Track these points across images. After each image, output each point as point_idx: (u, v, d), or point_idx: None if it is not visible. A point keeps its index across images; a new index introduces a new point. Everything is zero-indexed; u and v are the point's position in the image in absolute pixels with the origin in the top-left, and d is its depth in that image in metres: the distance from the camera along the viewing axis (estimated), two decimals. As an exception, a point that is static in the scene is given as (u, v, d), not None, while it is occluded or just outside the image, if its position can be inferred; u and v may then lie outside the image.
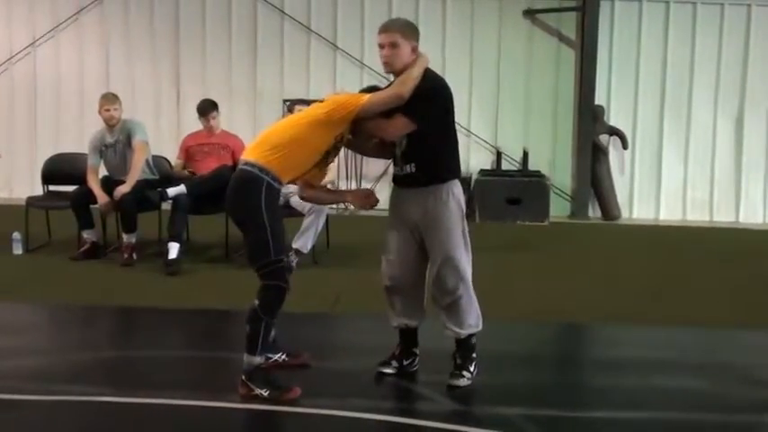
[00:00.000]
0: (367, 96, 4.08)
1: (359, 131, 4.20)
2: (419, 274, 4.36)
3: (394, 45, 4.12)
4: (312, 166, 4.20)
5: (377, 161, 9.83)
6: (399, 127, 4.11)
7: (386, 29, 4.18)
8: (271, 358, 4.44)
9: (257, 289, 4.05)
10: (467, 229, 4.27)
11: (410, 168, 4.24)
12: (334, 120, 4.05)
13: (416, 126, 4.09)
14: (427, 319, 4.46)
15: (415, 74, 4.09)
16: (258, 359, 4.08)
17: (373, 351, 4.60)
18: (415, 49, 4.15)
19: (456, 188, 4.25)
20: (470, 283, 4.29)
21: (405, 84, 4.06)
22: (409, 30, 4.19)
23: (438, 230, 4.20)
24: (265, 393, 4.06)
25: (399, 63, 4.12)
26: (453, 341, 4.36)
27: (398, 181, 4.35)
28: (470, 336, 4.34)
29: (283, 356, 4.54)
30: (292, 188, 6.02)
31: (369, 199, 4.40)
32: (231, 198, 4.10)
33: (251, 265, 4.11)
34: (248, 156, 4.10)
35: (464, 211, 4.28)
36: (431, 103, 4.13)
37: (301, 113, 4.30)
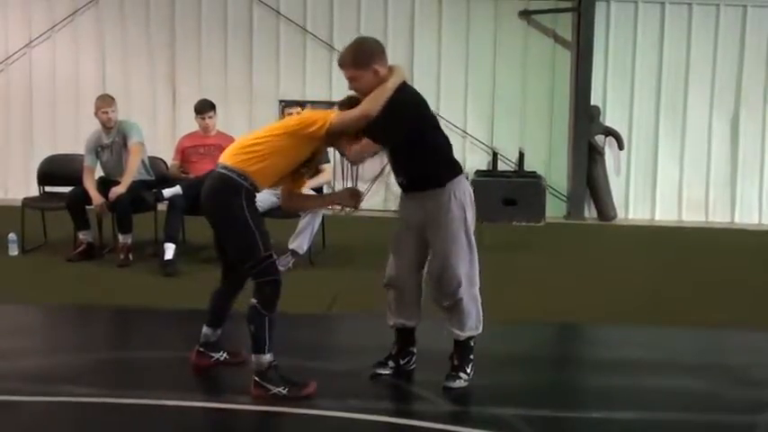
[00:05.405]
0: (334, 115, 4.06)
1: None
2: (418, 276, 4.37)
3: (352, 79, 4.12)
4: (291, 173, 4.23)
5: (372, 162, 9.82)
6: (367, 150, 4.15)
7: (340, 65, 4.17)
8: (213, 357, 4.49)
9: (252, 289, 4.06)
10: (471, 230, 4.27)
11: (402, 180, 4.32)
12: (302, 135, 4.04)
13: (384, 146, 4.16)
14: (425, 319, 4.46)
15: (385, 90, 4.03)
16: (268, 357, 4.04)
17: (370, 351, 4.61)
18: (377, 72, 4.06)
19: (458, 189, 4.24)
20: (475, 285, 4.30)
21: (373, 101, 4.01)
22: (361, 58, 4.09)
23: (439, 233, 4.21)
24: (284, 391, 4.04)
25: (366, 90, 4.08)
26: (451, 342, 4.37)
27: (400, 187, 4.39)
28: (469, 338, 4.34)
29: (224, 355, 4.54)
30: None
31: (354, 197, 4.42)
32: (210, 199, 4.12)
33: (241, 265, 4.10)
34: (226, 160, 4.12)
35: (468, 210, 4.27)
36: (397, 120, 4.07)
37: (278, 123, 4.35)
